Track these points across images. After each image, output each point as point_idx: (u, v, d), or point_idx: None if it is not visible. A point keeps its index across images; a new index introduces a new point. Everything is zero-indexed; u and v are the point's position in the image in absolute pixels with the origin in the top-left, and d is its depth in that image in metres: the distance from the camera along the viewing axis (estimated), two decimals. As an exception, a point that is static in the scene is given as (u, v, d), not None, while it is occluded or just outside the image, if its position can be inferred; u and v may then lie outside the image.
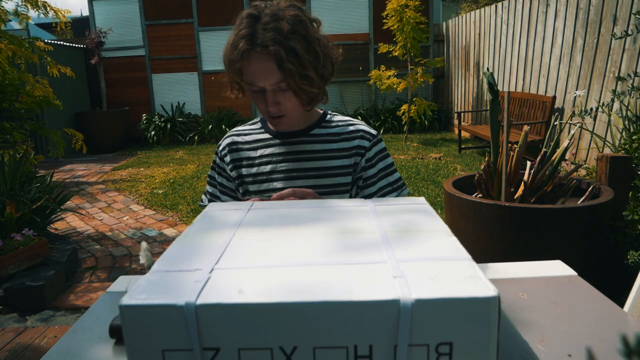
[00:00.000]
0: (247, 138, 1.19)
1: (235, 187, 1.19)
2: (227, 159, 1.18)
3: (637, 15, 2.54)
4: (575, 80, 4.47)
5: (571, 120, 4.26)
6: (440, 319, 0.45)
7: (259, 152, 1.15)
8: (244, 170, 1.16)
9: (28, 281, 2.62)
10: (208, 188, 1.24)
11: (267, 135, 1.17)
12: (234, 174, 1.17)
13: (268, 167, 1.13)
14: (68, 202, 3.88)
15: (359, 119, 1.25)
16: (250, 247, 0.61)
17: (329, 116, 1.18)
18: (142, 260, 0.74)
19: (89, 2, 8.21)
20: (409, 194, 1.14)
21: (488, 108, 2.21)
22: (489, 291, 0.46)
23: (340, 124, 1.16)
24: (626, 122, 3.00)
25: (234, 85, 1.09)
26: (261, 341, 0.46)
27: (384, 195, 1.13)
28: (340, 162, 1.12)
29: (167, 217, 4.14)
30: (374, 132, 1.17)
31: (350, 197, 1.15)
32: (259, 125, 1.21)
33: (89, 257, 3.30)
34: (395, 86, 6.80)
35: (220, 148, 1.21)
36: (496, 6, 6.13)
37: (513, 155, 2.25)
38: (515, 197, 2.23)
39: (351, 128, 1.15)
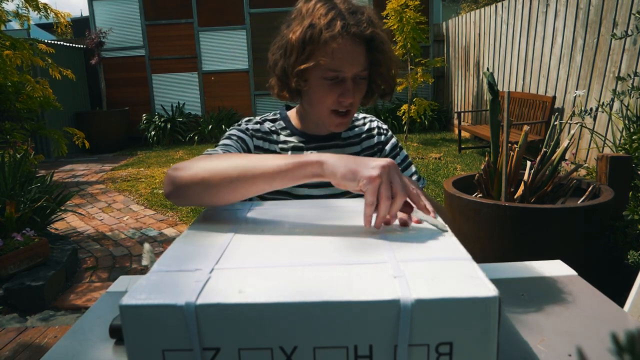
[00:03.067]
0: (275, 137, 1.08)
1: None
2: (256, 142, 1.05)
3: (637, 15, 2.54)
4: (575, 80, 4.47)
5: (571, 120, 4.26)
6: (441, 319, 0.45)
7: (290, 154, 1.05)
8: None
9: (28, 281, 2.62)
10: (226, 141, 1.01)
11: (298, 138, 1.07)
12: None
13: None
14: (68, 202, 3.87)
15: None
16: (250, 247, 0.61)
17: None
18: (145, 262, 0.73)
19: (89, 2, 8.22)
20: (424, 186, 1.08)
21: (488, 108, 2.20)
22: (489, 291, 0.46)
23: (358, 123, 1.15)
24: (626, 122, 3.00)
25: (299, 76, 0.95)
26: (261, 341, 0.46)
27: None
28: None
29: (167, 217, 4.14)
30: (386, 126, 1.16)
31: None
32: (282, 124, 1.10)
33: (89, 257, 3.30)
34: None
35: (253, 122, 1.07)
36: (496, 6, 6.13)
37: (513, 155, 2.25)
38: (515, 197, 2.23)
39: (368, 125, 1.14)
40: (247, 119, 1.10)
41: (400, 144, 1.15)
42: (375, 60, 0.95)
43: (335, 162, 0.66)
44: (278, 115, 1.11)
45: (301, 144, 1.07)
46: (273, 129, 1.09)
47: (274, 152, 1.06)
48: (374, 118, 1.18)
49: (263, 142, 1.05)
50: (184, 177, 0.75)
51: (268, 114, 1.13)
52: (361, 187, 0.64)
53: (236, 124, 1.08)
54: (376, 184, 0.62)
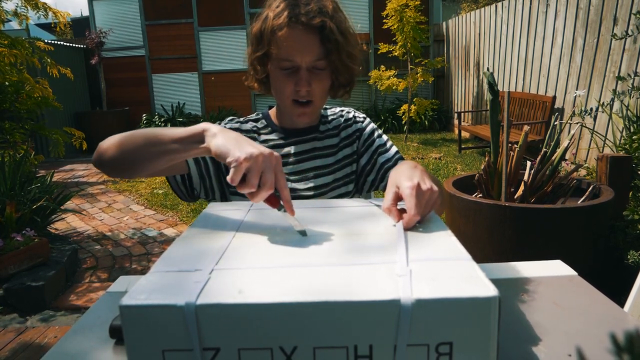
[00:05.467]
0: (256, 137, 1.11)
1: (219, 184, 1.04)
2: None
3: (637, 15, 2.54)
4: (575, 80, 4.47)
5: (571, 120, 4.26)
6: (441, 318, 0.45)
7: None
8: None
9: (28, 281, 2.62)
10: None
11: (278, 135, 1.10)
12: None
13: (288, 168, 1.07)
14: (68, 202, 3.87)
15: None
16: (250, 248, 0.61)
17: (322, 112, 1.17)
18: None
19: (89, 2, 8.22)
20: None
21: (488, 108, 2.20)
22: (489, 291, 0.46)
23: (334, 116, 1.16)
24: (626, 122, 3.00)
25: (258, 65, 1.01)
26: (261, 341, 0.46)
27: (385, 172, 1.08)
28: (347, 151, 1.13)
29: (167, 217, 4.14)
30: (363, 115, 1.18)
31: (357, 184, 1.13)
32: (264, 123, 1.12)
33: (89, 257, 3.30)
34: (395, 87, 6.79)
35: (234, 122, 1.10)
36: (496, 6, 6.13)
37: (513, 155, 2.25)
38: (516, 197, 2.23)
39: (345, 116, 1.16)
40: (229, 118, 1.13)
41: (380, 131, 1.16)
42: (327, 50, 0.95)
43: (217, 133, 0.70)
44: (260, 115, 1.15)
45: (281, 141, 1.10)
46: (254, 129, 1.12)
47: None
48: (351, 109, 1.19)
49: None
50: (104, 145, 0.85)
51: (252, 114, 1.16)
52: (227, 164, 0.66)
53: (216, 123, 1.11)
54: (241, 167, 0.64)
